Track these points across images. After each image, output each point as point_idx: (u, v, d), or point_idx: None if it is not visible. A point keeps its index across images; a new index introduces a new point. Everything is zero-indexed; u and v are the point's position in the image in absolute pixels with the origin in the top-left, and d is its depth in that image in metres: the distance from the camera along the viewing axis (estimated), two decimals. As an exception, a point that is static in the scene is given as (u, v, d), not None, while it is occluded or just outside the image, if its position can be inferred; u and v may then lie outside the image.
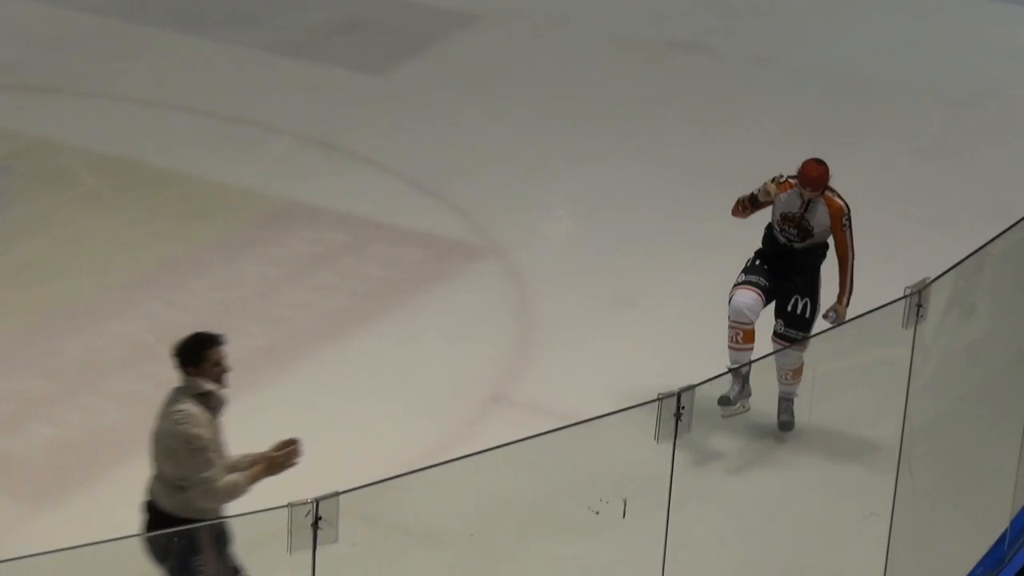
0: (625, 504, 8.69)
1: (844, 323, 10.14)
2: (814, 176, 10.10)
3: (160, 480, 8.59)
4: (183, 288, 12.52)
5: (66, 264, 12.89)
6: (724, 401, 9.96)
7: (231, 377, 10.89)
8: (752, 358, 10.11)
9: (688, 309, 12.44)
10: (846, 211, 10.21)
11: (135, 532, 7.93)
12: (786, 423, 10.51)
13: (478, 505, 8.92)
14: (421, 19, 17.85)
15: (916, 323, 8.97)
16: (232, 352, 11.37)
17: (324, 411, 11.03)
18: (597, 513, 8.80)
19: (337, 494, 6.74)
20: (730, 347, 10.23)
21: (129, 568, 7.80)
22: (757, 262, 10.31)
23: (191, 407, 8.75)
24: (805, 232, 10.19)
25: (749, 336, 10.17)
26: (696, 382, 7.83)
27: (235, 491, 8.71)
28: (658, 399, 7.73)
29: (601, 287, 12.78)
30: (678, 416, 7.91)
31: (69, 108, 15.44)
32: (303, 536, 6.73)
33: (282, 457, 8.97)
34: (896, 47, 18.10)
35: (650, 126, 15.67)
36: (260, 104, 15.67)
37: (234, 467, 8.92)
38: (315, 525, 6.77)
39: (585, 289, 12.73)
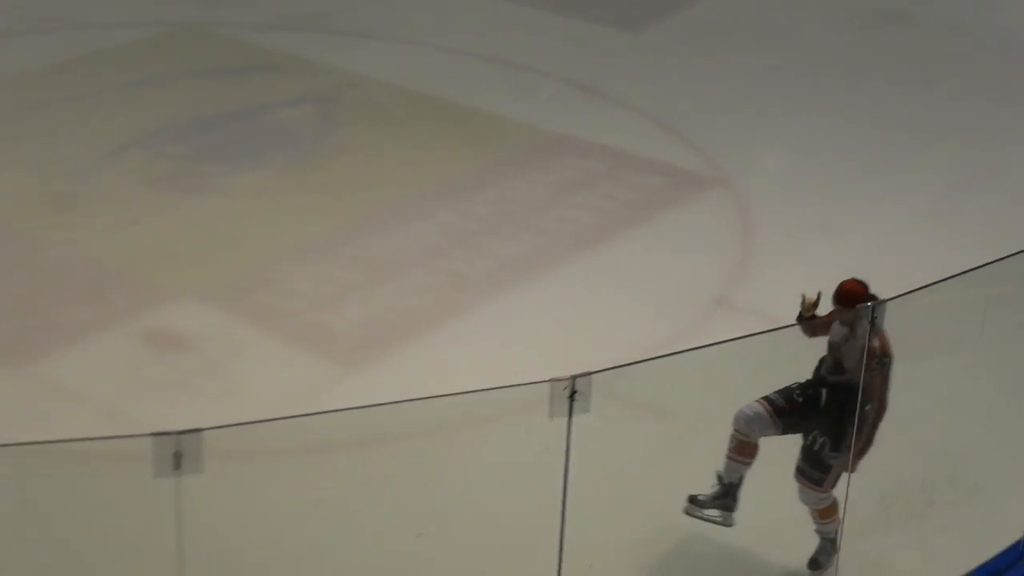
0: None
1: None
2: (844, 289, 7.88)
3: None
4: (469, 200, 12.85)
5: (375, 177, 13.23)
6: (693, 500, 8.10)
7: (507, 276, 11.58)
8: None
9: (882, 235, 12.55)
10: (878, 353, 7.77)
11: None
12: (813, 561, 8.32)
13: (702, 389, 8.94)
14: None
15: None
16: (506, 255, 12.06)
17: (578, 306, 11.32)
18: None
19: (590, 373, 6.82)
20: (726, 455, 8.14)
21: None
22: (793, 385, 8.07)
23: None
24: (838, 365, 7.97)
25: (742, 448, 8.02)
26: (891, 296, 7.66)
27: None
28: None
29: (811, 215, 12.85)
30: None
31: (379, 51, 15.71)
32: (561, 406, 6.83)
33: None
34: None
35: (856, 84, 15.64)
36: (536, 53, 15.89)
37: None
38: (571, 398, 6.85)
39: (797, 216, 12.84)
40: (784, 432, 8.00)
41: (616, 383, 7.29)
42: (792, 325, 8.06)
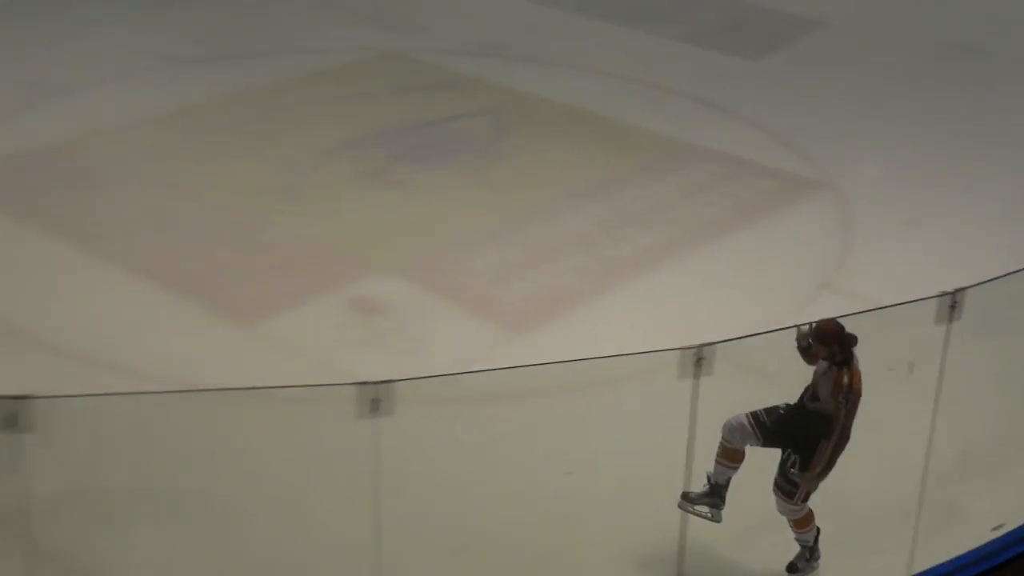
0: (911, 366, 8.77)
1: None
2: (820, 327, 7.41)
3: None
4: (614, 197, 12.79)
5: (538, 177, 13.20)
6: (685, 496, 7.60)
7: (645, 260, 11.41)
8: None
9: (964, 231, 12.38)
10: (845, 390, 7.24)
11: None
12: (791, 565, 7.79)
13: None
14: (784, 21, 17.77)
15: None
16: (645, 243, 12.02)
17: (704, 286, 11.31)
18: (890, 370, 8.86)
19: (713, 343, 6.85)
20: (715, 458, 7.63)
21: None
22: (781, 404, 7.61)
23: None
24: (815, 394, 7.48)
25: (727, 453, 7.55)
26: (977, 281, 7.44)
27: None
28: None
29: (902, 214, 12.67)
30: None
31: (543, 73, 15.71)
32: (688, 369, 6.86)
33: None
34: None
35: (942, 104, 15.35)
36: (672, 75, 15.77)
37: None
38: (698, 363, 6.91)
39: (890, 214, 12.65)
40: (764, 445, 7.55)
41: (735, 352, 7.28)
42: (884, 308, 7.93)
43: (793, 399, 7.47)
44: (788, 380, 8.96)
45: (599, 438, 8.56)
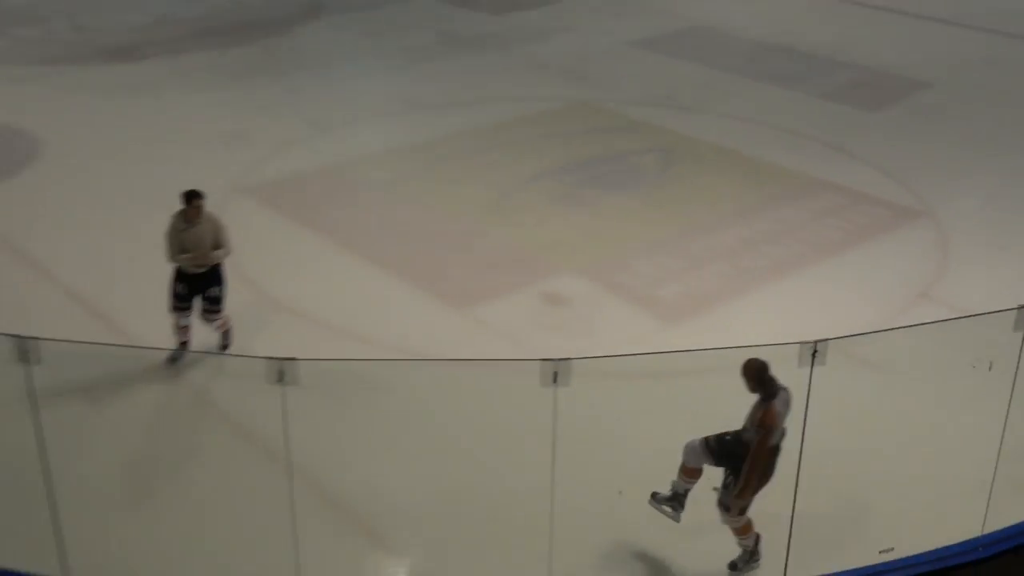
0: (991, 364, 8.43)
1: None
2: (744, 364, 6.91)
3: None
4: (755, 219, 12.51)
5: (695, 201, 13.01)
6: (654, 496, 7.38)
7: (778, 270, 11.09)
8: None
9: None
10: (757, 421, 6.85)
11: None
12: (732, 564, 7.37)
13: (907, 353, 8.85)
14: (898, 82, 17.19)
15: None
16: (778, 256, 11.75)
17: (824, 292, 11.02)
18: (974, 367, 8.63)
19: (827, 340, 6.64)
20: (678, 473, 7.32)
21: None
22: (730, 431, 7.15)
23: None
24: (746, 424, 7.06)
25: (686, 471, 7.26)
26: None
27: None
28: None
29: (994, 240, 12.19)
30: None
31: (701, 120, 15.47)
32: (806, 360, 6.70)
33: None
34: None
35: None
36: (805, 123, 15.39)
37: None
38: (813, 355, 6.71)
39: (984, 240, 12.19)
40: (716, 465, 7.21)
41: (847, 346, 7.15)
42: (971, 316, 7.65)
43: (890, 390, 7.27)
44: (889, 372, 8.87)
45: (732, 410, 8.34)
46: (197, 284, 9.22)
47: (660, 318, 10.65)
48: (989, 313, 7.63)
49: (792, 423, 7.03)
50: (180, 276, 9.22)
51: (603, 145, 14.61)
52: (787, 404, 7.00)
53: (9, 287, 10.89)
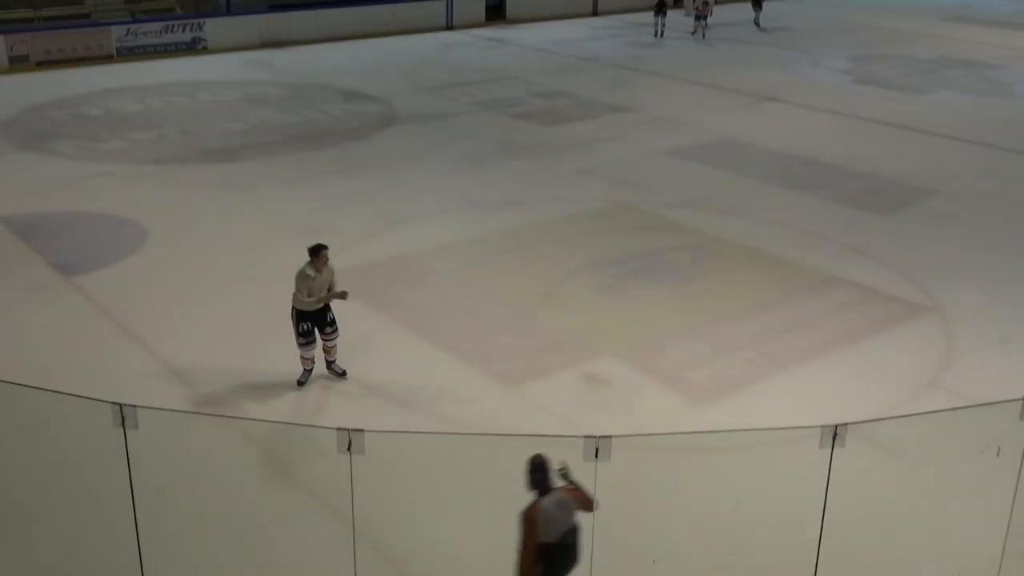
0: (999, 450, 8.12)
1: None
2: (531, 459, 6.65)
3: None
4: (778, 311, 12.32)
5: (724, 294, 12.76)
6: None
7: (798, 357, 10.87)
8: None
9: None
10: (526, 516, 6.48)
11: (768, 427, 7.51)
12: None
13: (915, 435, 8.64)
14: (908, 190, 16.94)
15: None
16: (798, 345, 11.50)
17: (841, 379, 10.77)
18: (982, 452, 8.33)
19: (847, 424, 6.52)
20: None
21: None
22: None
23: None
24: None
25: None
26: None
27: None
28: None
29: (996, 333, 11.82)
30: None
31: (729, 222, 15.29)
32: (827, 442, 6.55)
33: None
34: None
35: None
36: (823, 225, 15.22)
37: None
38: (833, 437, 6.56)
39: (987, 332, 11.85)
40: None
41: (862, 430, 7.15)
42: (980, 405, 7.44)
43: (903, 471, 7.03)
44: (902, 455, 8.61)
45: (757, 486, 8.15)
46: (317, 317, 10.12)
47: (691, 399, 10.48)
48: (997, 403, 7.46)
49: (811, 502, 6.80)
50: (303, 316, 10.06)
51: (642, 242, 14.56)
52: (562, 506, 6.54)
53: (112, 358, 11.01)
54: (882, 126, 21.14)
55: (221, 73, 25.32)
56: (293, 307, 10.07)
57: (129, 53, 26.42)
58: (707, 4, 30.38)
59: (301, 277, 9.93)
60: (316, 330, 10.14)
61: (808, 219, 15.54)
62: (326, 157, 18.44)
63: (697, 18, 30.60)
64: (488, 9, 33.32)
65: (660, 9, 30.67)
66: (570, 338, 11.65)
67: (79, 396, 6.99)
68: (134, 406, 6.38)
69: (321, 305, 10.08)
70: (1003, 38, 31.69)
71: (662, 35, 30.52)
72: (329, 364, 10.47)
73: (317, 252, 9.90)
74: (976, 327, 12.07)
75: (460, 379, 10.76)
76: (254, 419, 9.29)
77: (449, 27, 32.13)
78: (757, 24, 31.97)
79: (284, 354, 10.48)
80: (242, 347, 11.11)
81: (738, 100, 23.16)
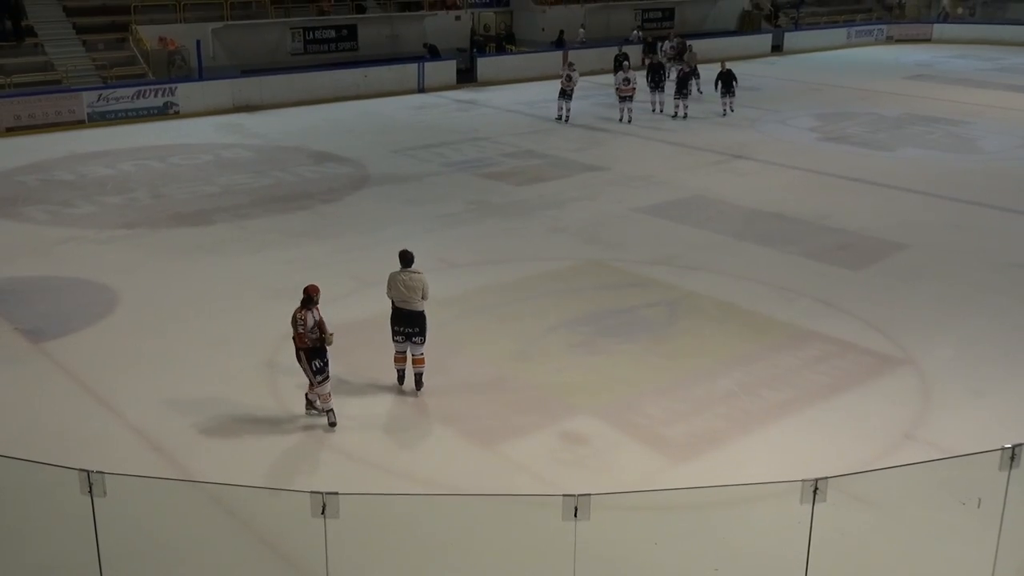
0: (979, 501, 8.14)
1: None
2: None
3: None
4: (753, 366, 12.33)
5: (698, 350, 12.76)
6: None
7: (774, 412, 10.87)
8: None
9: (1017, 399, 11.53)
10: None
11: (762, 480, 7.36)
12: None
13: (896, 488, 8.51)
14: (878, 245, 17.11)
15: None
16: (774, 400, 11.54)
17: (817, 433, 10.80)
18: (964, 504, 8.37)
19: (827, 478, 6.48)
20: None
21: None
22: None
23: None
24: None
25: None
26: None
27: None
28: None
29: (968, 385, 11.90)
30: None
31: (702, 278, 15.42)
32: (808, 496, 6.55)
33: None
34: None
35: (996, 306, 14.44)
36: (795, 281, 15.27)
37: None
38: (815, 491, 6.64)
39: (960, 385, 11.93)
40: None
41: (843, 484, 7.07)
42: (959, 456, 7.43)
43: (884, 524, 6.97)
44: (885, 507, 8.57)
45: (738, 543, 8.07)
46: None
47: (669, 456, 10.44)
48: (976, 453, 7.47)
49: (794, 558, 6.75)
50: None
51: (616, 299, 14.60)
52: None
53: (80, 423, 10.85)
54: (850, 182, 21.47)
55: (193, 137, 25.37)
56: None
57: (101, 118, 26.43)
58: (629, 83, 26.89)
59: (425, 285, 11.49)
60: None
61: (780, 274, 15.67)
62: (298, 219, 18.44)
63: (621, 99, 27.07)
64: (459, 72, 33.71)
65: (619, 66, 28.95)
66: (546, 396, 11.62)
67: (46, 463, 6.86)
68: (102, 472, 6.27)
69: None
70: (965, 95, 32.43)
71: (629, 122, 27.09)
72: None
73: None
74: (949, 380, 12.15)
75: (436, 439, 10.68)
76: (225, 484, 9.12)
77: (421, 90, 32.46)
78: (699, 91, 29.97)
79: (256, 417, 10.33)
80: (213, 411, 10.98)
81: (708, 158, 23.46)
